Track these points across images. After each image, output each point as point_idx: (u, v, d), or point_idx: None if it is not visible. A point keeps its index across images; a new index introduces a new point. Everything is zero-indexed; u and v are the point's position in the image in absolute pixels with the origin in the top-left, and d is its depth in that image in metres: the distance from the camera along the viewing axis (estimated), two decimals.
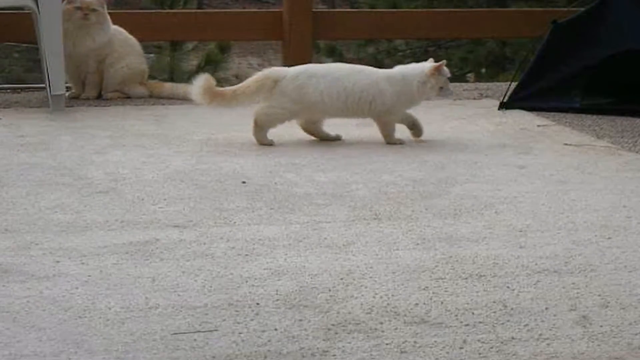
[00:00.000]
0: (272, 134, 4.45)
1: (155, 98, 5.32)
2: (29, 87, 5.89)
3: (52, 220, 3.07)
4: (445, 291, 2.50)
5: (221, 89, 4.32)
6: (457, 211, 3.23)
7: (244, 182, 3.56)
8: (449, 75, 4.23)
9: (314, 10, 5.95)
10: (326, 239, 2.92)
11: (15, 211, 3.16)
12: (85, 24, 5.15)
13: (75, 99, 5.29)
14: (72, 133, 4.38)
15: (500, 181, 3.63)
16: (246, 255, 2.77)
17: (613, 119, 4.86)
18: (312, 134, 4.33)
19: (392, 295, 2.47)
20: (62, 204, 3.25)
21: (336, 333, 2.23)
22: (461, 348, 2.17)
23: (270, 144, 4.20)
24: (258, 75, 4.28)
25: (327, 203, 3.31)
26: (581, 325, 2.30)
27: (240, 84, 4.32)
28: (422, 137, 4.30)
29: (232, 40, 8.43)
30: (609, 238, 2.96)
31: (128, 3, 11.89)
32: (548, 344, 2.19)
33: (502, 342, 2.20)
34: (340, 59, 10.43)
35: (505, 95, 5.12)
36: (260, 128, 4.24)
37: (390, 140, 4.26)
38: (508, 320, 2.32)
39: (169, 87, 5.46)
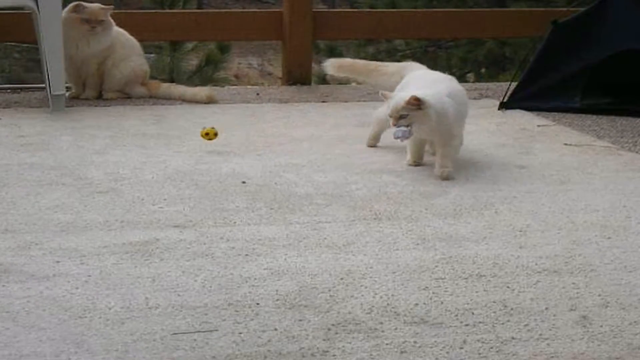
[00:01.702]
0: (272, 134, 4.46)
1: (154, 98, 5.32)
2: (29, 87, 5.88)
3: (52, 220, 3.07)
4: (445, 291, 2.50)
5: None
6: (457, 211, 3.23)
7: (244, 182, 3.56)
8: (387, 111, 3.61)
9: (314, 10, 5.95)
10: (326, 239, 2.92)
11: (15, 211, 3.16)
12: (91, 34, 5.15)
13: (75, 99, 5.29)
14: (72, 133, 4.38)
15: (500, 181, 3.63)
16: (246, 255, 2.77)
17: (613, 119, 4.86)
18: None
19: (392, 295, 2.47)
20: (62, 204, 3.25)
21: (336, 333, 2.23)
22: (461, 348, 2.17)
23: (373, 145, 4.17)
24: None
25: (327, 203, 3.31)
26: (581, 325, 2.30)
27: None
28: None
29: (232, 40, 8.42)
30: (609, 238, 2.96)
31: (128, 3, 11.89)
32: (548, 344, 2.19)
33: (502, 342, 2.20)
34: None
35: (505, 95, 5.12)
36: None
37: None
38: (508, 320, 2.32)
39: (165, 87, 5.46)
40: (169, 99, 5.29)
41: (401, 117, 3.51)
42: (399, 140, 3.58)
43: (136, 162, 3.85)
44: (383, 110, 3.81)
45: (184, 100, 5.28)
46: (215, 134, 4.03)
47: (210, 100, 5.27)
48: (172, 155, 3.99)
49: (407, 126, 3.53)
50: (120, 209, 3.20)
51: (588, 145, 4.27)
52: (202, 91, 5.42)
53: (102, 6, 5.20)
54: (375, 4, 9.44)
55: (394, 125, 3.52)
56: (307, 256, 2.76)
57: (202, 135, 4.06)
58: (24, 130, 4.44)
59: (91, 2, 5.26)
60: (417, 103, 3.49)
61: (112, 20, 5.26)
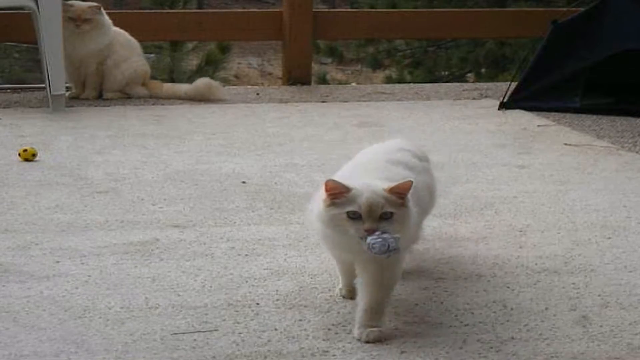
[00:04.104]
0: (272, 134, 4.46)
1: (155, 98, 5.33)
2: (29, 87, 5.89)
3: (52, 220, 3.07)
4: (445, 291, 2.50)
5: None
6: (457, 211, 3.23)
7: (244, 182, 3.56)
8: (350, 208, 2.18)
9: (314, 10, 5.95)
10: None
11: (15, 211, 3.16)
12: (80, 32, 5.15)
13: (75, 99, 5.29)
14: (72, 133, 4.38)
15: (500, 181, 3.62)
16: (246, 255, 2.77)
17: (613, 119, 4.86)
18: None
19: (392, 295, 2.46)
20: (62, 204, 3.25)
21: (336, 333, 2.23)
22: (461, 348, 2.17)
23: None
24: None
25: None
26: (581, 325, 2.30)
27: None
28: None
29: (232, 40, 8.44)
30: (609, 238, 2.96)
31: (128, 3, 11.89)
32: (548, 344, 2.19)
33: (501, 342, 2.20)
34: (340, 59, 10.44)
35: (505, 95, 5.12)
36: None
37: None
38: (508, 320, 2.32)
39: (167, 87, 5.47)
40: (169, 99, 5.30)
41: (383, 217, 2.19)
42: (385, 256, 2.16)
43: (136, 162, 3.85)
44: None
45: (187, 97, 5.28)
46: (34, 155, 3.82)
47: (211, 90, 5.27)
48: (172, 155, 3.99)
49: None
50: (120, 209, 3.20)
51: (588, 145, 4.27)
52: (200, 82, 5.39)
53: (90, 4, 5.19)
54: (375, 4, 9.44)
55: (370, 232, 2.16)
56: (307, 256, 2.76)
57: (22, 154, 3.83)
58: (24, 130, 4.44)
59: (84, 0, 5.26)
60: (405, 193, 2.23)
61: (107, 20, 5.26)
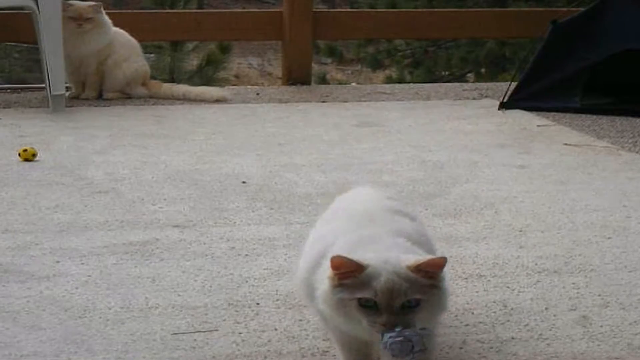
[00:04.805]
0: (272, 134, 4.46)
1: (155, 98, 5.33)
2: (29, 87, 5.89)
3: (52, 220, 3.07)
4: None
5: None
6: (457, 211, 3.23)
7: (244, 182, 3.56)
8: (362, 294, 1.75)
9: (314, 10, 5.95)
10: None
11: (15, 211, 3.16)
12: (81, 31, 5.16)
13: (75, 99, 5.29)
14: (72, 133, 4.38)
15: (500, 181, 3.62)
16: (246, 255, 2.77)
17: (613, 119, 4.86)
18: None
19: None
20: (62, 204, 3.25)
21: None
22: (461, 348, 2.17)
23: None
24: None
25: (327, 203, 3.29)
26: (581, 325, 2.30)
27: None
28: None
29: (232, 40, 8.43)
30: (609, 238, 2.96)
31: (128, 3, 11.89)
32: (548, 344, 2.19)
33: (501, 342, 2.20)
34: (340, 59, 10.44)
35: (505, 95, 5.12)
36: None
37: None
38: (508, 320, 2.32)
39: (166, 87, 5.47)
40: (170, 99, 5.30)
41: (406, 305, 1.76)
42: (407, 359, 1.73)
43: (136, 162, 3.85)
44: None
45: (186, 99, 5.28)
46: (34, 155, 3.82)
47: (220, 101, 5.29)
48: (172, 155, 3.98)
49: (421, 329, 1.76)
50: (120, 209, 3.19)
51: (588, 145, 4.26)
52: (209, 91, 5.41)
53: (90, 3, 5.19)
54: (375, 4, 9.44)
55: (389, 327, 1.73)
56: None
57: (22, 154, 3.83)
58: (24, 130, 4.44)
59: None
60: (437, 271, 1.79)
61: (108, 19, 5.26)
